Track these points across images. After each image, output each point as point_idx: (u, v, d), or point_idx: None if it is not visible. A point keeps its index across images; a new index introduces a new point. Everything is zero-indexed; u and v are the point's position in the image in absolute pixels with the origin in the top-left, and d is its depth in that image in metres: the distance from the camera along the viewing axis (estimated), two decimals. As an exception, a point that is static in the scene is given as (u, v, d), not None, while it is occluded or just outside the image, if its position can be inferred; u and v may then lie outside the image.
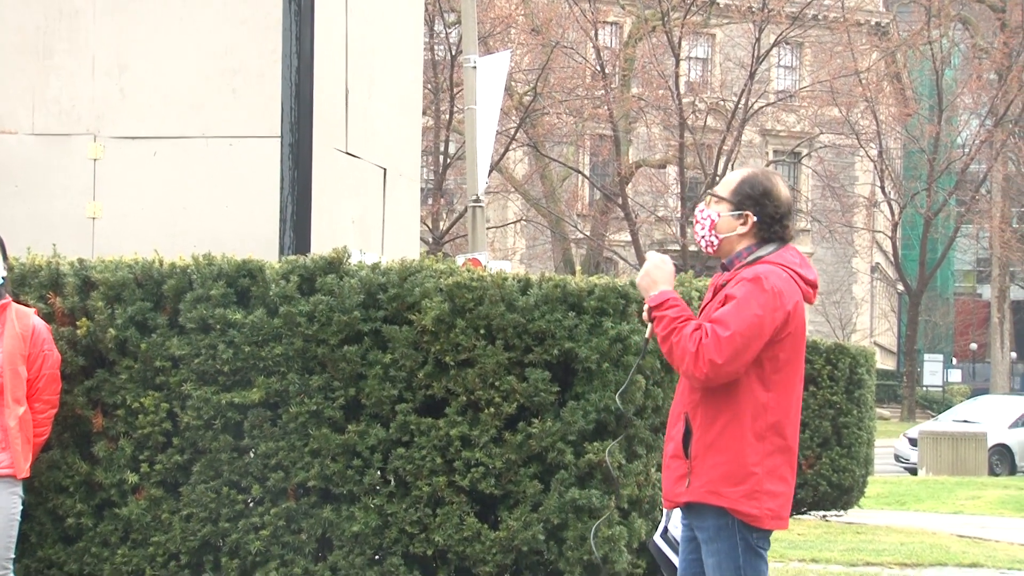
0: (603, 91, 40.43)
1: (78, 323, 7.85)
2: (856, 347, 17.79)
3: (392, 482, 7.62)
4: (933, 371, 61.83)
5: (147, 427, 7.75)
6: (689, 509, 5.67)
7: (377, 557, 7.60)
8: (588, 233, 44.51)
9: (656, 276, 5.68)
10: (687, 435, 5.59)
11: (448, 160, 38.40)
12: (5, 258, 7.71)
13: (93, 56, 9.92)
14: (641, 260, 40.12)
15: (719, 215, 5.75)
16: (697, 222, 5.79)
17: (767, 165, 50.60)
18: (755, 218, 5.74)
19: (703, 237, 5.77)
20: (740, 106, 40.55)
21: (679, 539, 5.86)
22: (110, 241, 9.60)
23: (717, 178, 39.60)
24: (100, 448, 7.83)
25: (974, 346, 75.44)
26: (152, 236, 9.40)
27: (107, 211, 9.81)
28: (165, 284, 7.80)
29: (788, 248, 5.76)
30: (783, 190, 5.81)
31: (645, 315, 5.70)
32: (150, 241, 9.02)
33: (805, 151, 49.61)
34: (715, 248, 5.77)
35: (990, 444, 30.53)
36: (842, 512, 17.89)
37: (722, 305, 5.55)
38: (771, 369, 5.57)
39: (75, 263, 8.02)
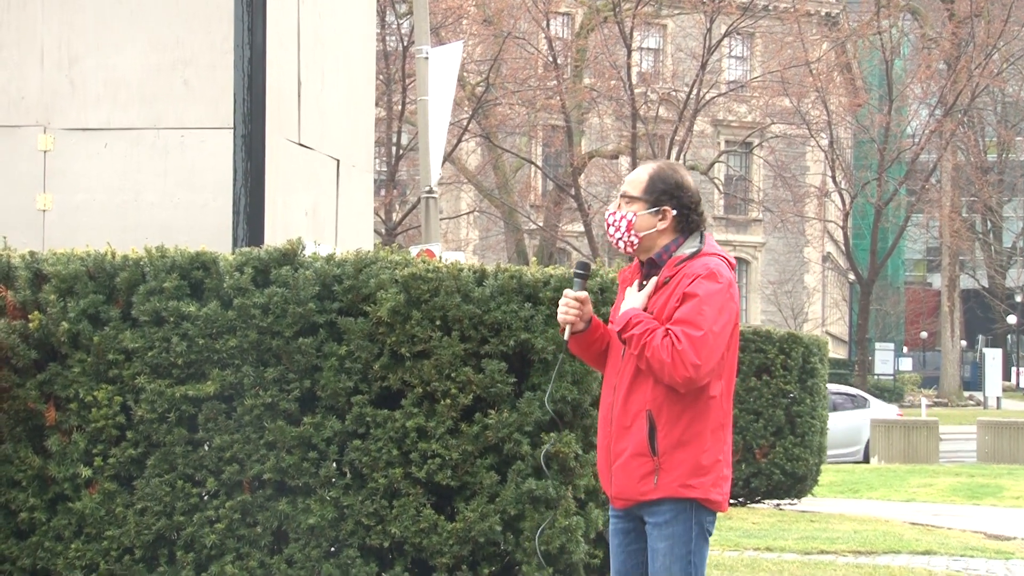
0: (555, 82, 40.43)
1: (30, 316, 7.78)
2: (809, 336, 17.89)
3: (348, 474, 7.60)
4: (884, 360, 62.21)
5: (100, 421, 7.69)
6: (643, 503, 5.65)
7: (333, 549, 7.58)
8: (541, 224, 44.54)
9: (628, 301, 5.66)
10: (651, 433, 5.55)
11: (401, 151, 38.31)
12: None
13: (42, 47, 9.84)
14: (594, 249, 40.20)
15: (635, 215, 5.71)
16: (611, 225, 5.74)
17: (719, 155, 50.84)
18: (674, 212, 5.74)
19: (620, 239, 5.72)
20: (692, 96, 40.64)
21: None
22: (61, 234, 9.53)
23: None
24: (53, 442, 7.76)
25: (924, 334, 75.96)
26: (104, 229, 9.34)
27: (58, 203, 9.73)
28: (118, 277, 7.75)
29: (709, 236, 5.81)
30: (690, 179, 5.85)
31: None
32: (102, 233, 8.96)
33: (756, 141, 49.78)
34: (635, 247, 5.73)
35: None
36: (796, 500, 17.98)
37: (680, 303, 5.54)
38: (721, 360, 5.61)
39: (26, 256, 7.95)
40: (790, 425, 17.05)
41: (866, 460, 30.95)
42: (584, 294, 5.71)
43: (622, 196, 5.78)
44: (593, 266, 7.75)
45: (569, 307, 5.68)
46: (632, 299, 5.66)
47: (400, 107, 36.81)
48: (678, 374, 5.44)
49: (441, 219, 33.68)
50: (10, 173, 9.79)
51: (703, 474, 5.58)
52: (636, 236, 5.71)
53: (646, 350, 5.47)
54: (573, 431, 7.58)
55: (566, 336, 5.69)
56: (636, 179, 5.79)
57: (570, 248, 47.05)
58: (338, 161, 10.98)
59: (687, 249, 5.71)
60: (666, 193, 5.74)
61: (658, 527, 5.61)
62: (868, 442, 31.65)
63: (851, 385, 49.44)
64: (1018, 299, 68.55)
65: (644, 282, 5.73)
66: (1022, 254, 69.72)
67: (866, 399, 33.27)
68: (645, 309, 5.61)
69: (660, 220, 5.72)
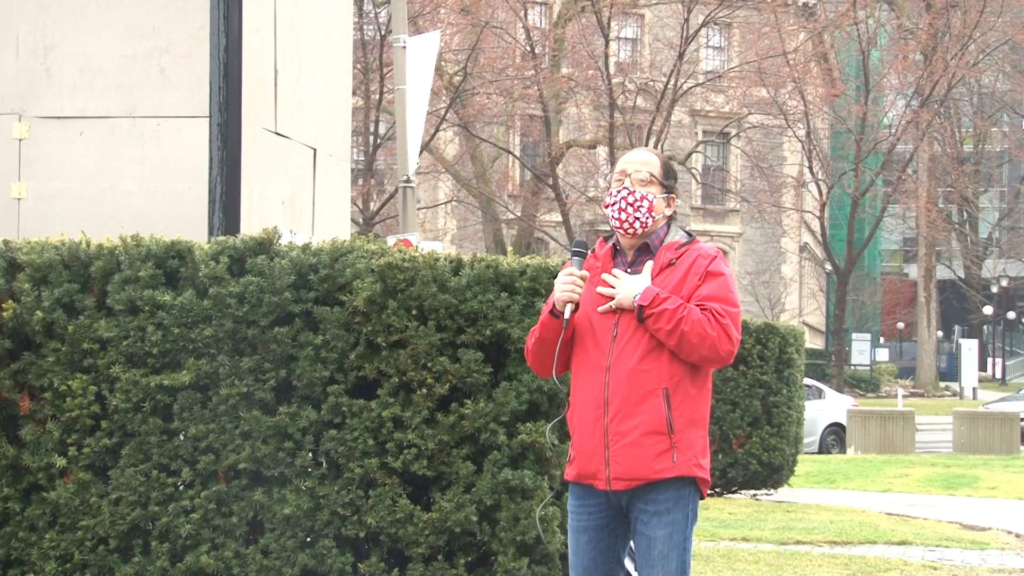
0: (533, 71, 40.42)
1: (4, 306, 7.74)
2: (785, 327, 17.91)
3: (324, 464, 7.58)
4: (861, 350, 62.35)
5: (75, 410, 7.65)
6: (642, 487, 5.59)
7: (309, 540, 7.56)
8: (519, 214, 44.52)
9: (628, 281, 5.62)
10: (668, 411, 5.54)
11: (378, 140, 38.26)
12: None
13: (17, 35, 9.79)
14: (571, 239, 40.17)
15: (655, 197, 5.71)
16: (630, 204, 5.65)
17: (696, 145, 50.87)
18: (678, 200, 5.81)
19: (638, 219, 5.65)
20: (669, 87, 40.65)
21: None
22: (36, 222, 9.49)
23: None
24: (27, 431, 7.73)
25: (901, 325, 76.15)
26: (79, 217, 9.30)
27: (33, 192, 9.69)
28: (92, 265, 7.71)
29: None
30: None
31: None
32: (77, 222, 8.93)
33: (734, 131, 49.82)
34: (646, 229, 5.70)
35: None
36: (772, 491, 18.01)
37: (702, 281, 5.58)
38: None
39: (0, 244, 7.90)
40: (767, 415, 17.07)
41: (821, 451, 31.01)
42: (586, 272, 5.68)
43: (647, 176, 5.71)
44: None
45: (576, 284, 5.64)
46: (639, 279, 5.60)
47: (378, 96, 36.75)
48: (723, 347, 5.50)
49: (419, 209, 33.64)
50: (-16, 161, 9.74)
51: (705, 455, 5.66)
52: (652, 218, 5.69)
53: (683, 324, 5.46)
54: (549, 421, 7.57)
55: (567, 314, 5.65)
56: (651, 161, 5.77)
57: (548, 238, 47.06)
58: (315, 150, 10.96)
59: (679, 236, 5.73)
60: (675, 180, 5.82)
61: (658, 515, 5.57)
62: (823, 433, 31.73)
63: (828, 375, 49.58)
64: (994, 290, 68.79)
65: (629, 269, 5.69)
66: (998, 245, 69.95)
67: (821, 390, 33.23)
68: None
69: (667, 207, 5.76)
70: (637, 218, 5.67)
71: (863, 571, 11.30)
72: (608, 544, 5.72)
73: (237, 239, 7.73)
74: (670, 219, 5.79)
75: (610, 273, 5.66)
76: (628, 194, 5.68)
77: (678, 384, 5.54)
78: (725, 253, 62.34)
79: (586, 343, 5.67)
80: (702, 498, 5.71)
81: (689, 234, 5.77)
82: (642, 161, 5.76)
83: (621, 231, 5.71)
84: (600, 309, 5.62)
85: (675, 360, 5.53)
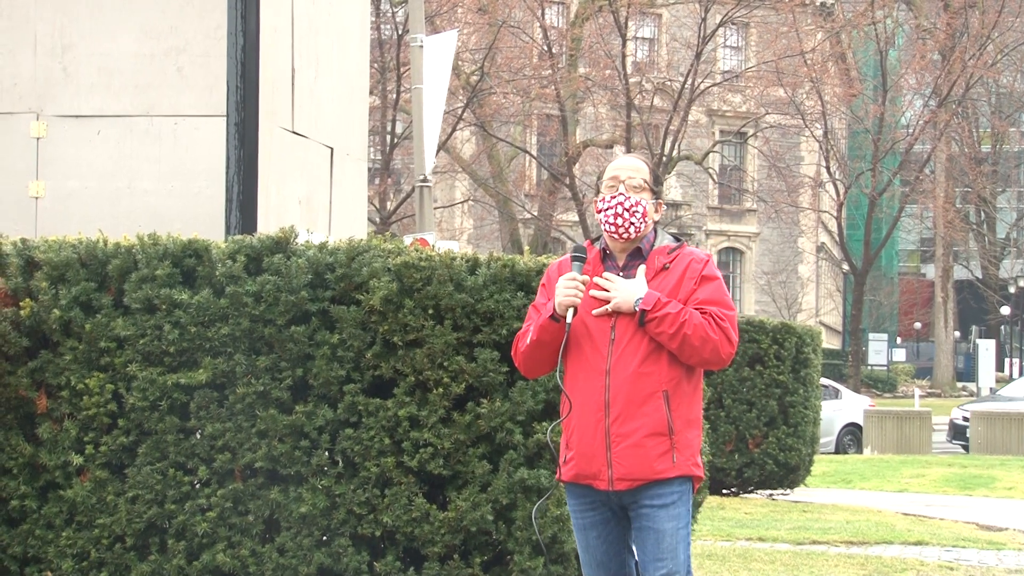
0: (550, 71, 40.39)
1: (21, 304, 7.75)
2: (802, 326, 17.90)
3: (340, 463, 7.59)
4: (878, 350, 62.24)
5: (92, 408, 7.67)
6: (643, 485, 5.66)
7: (325, 538, 7.57)
8: (536, 213, 44.49)
9: (624, 285, 5.69)
10: (668, 412, 5.64)
11: (395, 140, 38.27)
12: None
13: (35, 34, 9.82)
14: (589, 238, 40.13)
15: (647, 202, 5.81)
16: (627, 210, 5.74)
17: (713, 145, 50.80)
18: (664, 206, 5.94)
19: (632, 224, 5.76)
20: (686, 86, 40.61)
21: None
22: (54, 221, 9.51)
23: (664, 158, 39.71)
24: (44, 430, 7.74)
25: (918, 325, 76.00)
26: (96, 216, 9.33)
27: (50, 191, 9.72)
28: (110, 264, 7.72)
29: None
30: None
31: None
32: (94, 221, 8.94)
33: (751, 131, 49.74)
34: (639, 234, 5.79)
35: None
36: (788, 491, 17.99)
37: (698, 285, 5.68)
38: None
39: (18, 243, 7.92)
40: (783, 415, 17.06)
41: (838, 451, 30.96)
42: (587, 277, 5.74)
43: (640, 182, 5.81)
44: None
45: (578, 288, 5.69)
46: (635, 283, 5.68)
47: (395, 95, 36.77)
48: (724, 350, 5.64)
49: (435, 208, 33.65)
50: (2, 160, 9.77)
51: (700, 453, 5.79)
52: (645, 223, 5.79)
53: (685, 327, 5.58)
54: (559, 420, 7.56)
55: (569, 318, 5.70)
56: (641, 168, 5.87)
57: (564, 237, 47.03)
58: (332, 149, 10.97)
59: (667, 240, 5.86)
60: (661, 187, 5.95)
61: (664, 508, 5.66)
62: (840, 433, 31.66)
63: (845, 375, 49.48)
64: (1011, 290, 68.57)
65: (621, 273, 5.77)
66: (1016, 245, 69.75)
67: (838, 390, 33.14)
68: None
69: (655, 212, 5.87)
70: (632, 223, 5.77)
71: (879, 571, 11.29)
72: (618, 535, 5.83)
73: (254, 238, 7.74)
74: (656, 224, 5.90)
75: (602, 277, 5.71)
76: (624, 199, 5.77)
77: (677, 386, 5.67)
78: (741, 253, 62.36)
79: (582, 346, 5.74)
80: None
81: (677, 238, 5.89)
82: (634, 168, 5.87)
83: (615, 236, 5.79)
84: (595, 312, 5.68)
85: (674, 363, 5.65)
